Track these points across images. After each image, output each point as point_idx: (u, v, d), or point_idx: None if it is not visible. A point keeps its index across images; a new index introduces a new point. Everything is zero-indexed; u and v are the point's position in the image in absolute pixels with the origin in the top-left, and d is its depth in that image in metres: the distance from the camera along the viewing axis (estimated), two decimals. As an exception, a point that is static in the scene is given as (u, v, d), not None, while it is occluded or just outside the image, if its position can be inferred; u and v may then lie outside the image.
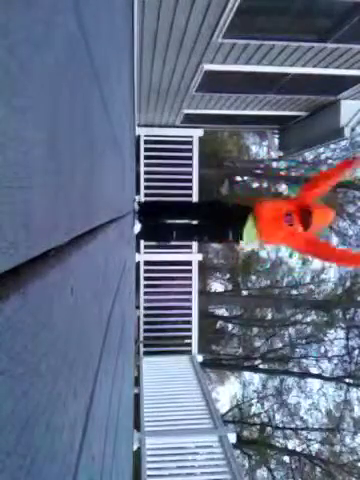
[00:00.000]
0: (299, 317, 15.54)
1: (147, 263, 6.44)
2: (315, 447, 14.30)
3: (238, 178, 16.09)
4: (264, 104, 5.70)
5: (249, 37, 3.84)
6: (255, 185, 16.25)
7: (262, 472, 14.56)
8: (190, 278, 6.51)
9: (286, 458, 14.40)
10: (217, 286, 17.36)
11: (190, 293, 6.51)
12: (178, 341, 6.43)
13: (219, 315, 17.08)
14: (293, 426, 14.73)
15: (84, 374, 0.69)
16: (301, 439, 14.47)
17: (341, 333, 14.90)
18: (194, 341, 6.45)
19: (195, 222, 3.89)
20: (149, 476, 3.70)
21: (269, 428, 15.03)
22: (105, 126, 1.15)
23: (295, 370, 15.42)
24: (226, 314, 17.22)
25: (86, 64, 0.75)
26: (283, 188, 15.47)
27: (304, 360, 15.33)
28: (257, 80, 4.87)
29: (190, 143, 6.47)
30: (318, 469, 13.98)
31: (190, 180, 6.44)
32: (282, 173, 16.01)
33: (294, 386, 15.28)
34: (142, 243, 6.35)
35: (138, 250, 6.27)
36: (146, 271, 6.45)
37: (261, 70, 4.47)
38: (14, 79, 0.34)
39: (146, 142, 6.35)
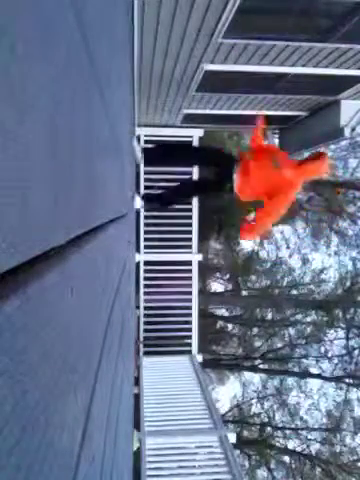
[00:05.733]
0: (299, 317, 15.54)
1: (147, 263, 6.44)
2: (315, 447, 14.32)
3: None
4: (264, 104, 5.70)
5: (249, 37, 3.84)
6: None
7: (262, 472, 14.56)
8: (190, 278, 6.51)
9: (286, 458, 14.41)
10: (217, 286, 17.37)
11: (190, 293, 6.51)
12: (178, 341, 6.42)
13: (219, 315, 17.08)
14: (293, 426, 14.73)
15: (84, 374, 0.69)
16: (301, 439, 14.47)
17: (341, 333, 14.91)
18: (194, 341, 6.44)
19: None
20: (149, 476, 3.69)
21: (269, 428, 15.03)
22: (105, 126, 1.15)
23: (295, 370, 15.42)
24: (226, 314, 17.22)
25: (86, 64, 0.75)
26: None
27: (304, 360, 15.33)
28: (257, 80, 4.87)
29: (190, 143, 6.47)
30: (318, 469, 13.98)
31: (190, 180, 6.43)
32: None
33: (294, 386, 15.29)
34: (142, 243, 6.35)
35: (138, 250, 6.27)
36: (146, 271, 6.44)
37: (261, 70, 4.47)
38: (14, 79, 0.34)
39: (146, 142, 6.35)
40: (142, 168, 6.20)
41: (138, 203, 4.13)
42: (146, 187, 6.17)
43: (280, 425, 14.93)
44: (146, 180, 6.30)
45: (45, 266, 0.46)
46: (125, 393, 2.10)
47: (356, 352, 14.42)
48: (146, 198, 4.39)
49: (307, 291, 15.76)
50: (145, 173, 6.32)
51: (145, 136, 6.33)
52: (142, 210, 6.10)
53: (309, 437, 14.43)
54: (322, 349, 15.15)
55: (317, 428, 14.54)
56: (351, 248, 15.03)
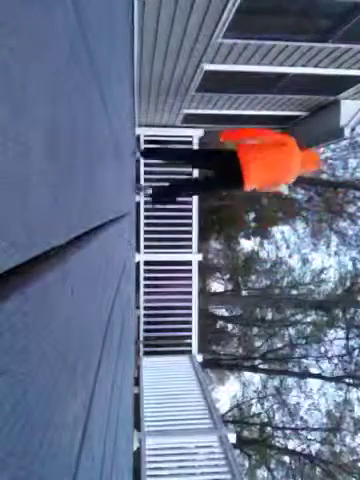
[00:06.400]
0: (299, 317, 15.54)
1: (147, 263, 6.44)
2: (315, 447, 14.32)
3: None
4: (264, 104, 5.70)
5: (249, 37, 3.84)
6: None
7: (262, 472, 14.56)
8: (190, 278, 6.51)
9: (286, 458, 14.41)
10: (217, 286, 17.37)
11: (190, 293, 6.51)
12: (178, 341, 6.42)
13: (219, 315, 17.08)
14: (293, 426, 14.73)
15: (84, 374, 0.69)
16: (301, 439, 14.47)
17: (341, 333, 14.91)
18: (194, 341, 6.44)
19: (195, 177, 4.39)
20: (149, 476, 3.69)
21: (269, 428, 15.03)
22: (105, 126, 1.15)
23: (295, 370, 15.42)
24: (226, 314, 17.22)
25: (86, 64, 0.75)
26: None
27: (304, 360, 15.33)
28: (257, 80, 4.87)
29: (190, 143, 6.47)
30: (318, 469, 13.98)
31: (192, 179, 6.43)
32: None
33: (294, 386, 15.29)
34: (142, 243, 6.35)
35: (138, 250, 6.27)
36: (146, 271, 6.44)
37: (261, 70, 4.47)
38: (14, 79, 0.34)
39: (146, 142, 6.35)
40: (142, 166, 6.21)
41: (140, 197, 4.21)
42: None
43: (280, 425, 14.93)
44: (146, 180, 6.30)
45: (45, 266, 0.46)
46: (125, 393, 2.10)
47: (356, 352, 14.43)
48: (153, 193, 4.40)
49: (307, 291, 15.76)
50: (145, 173, 6.32)
51: (145, 136, 6.33)
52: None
53: (309, 437, 14.43)
54: (322, 349, 15.16)
55: (317, 428, 14.55)
56: (351, 248, 15.04)
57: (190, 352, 6.35)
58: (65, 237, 0.57)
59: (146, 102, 5.56)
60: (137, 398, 4.70)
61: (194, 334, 6.47)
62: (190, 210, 6.46)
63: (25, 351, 0.36)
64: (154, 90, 5.12)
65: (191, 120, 6.35)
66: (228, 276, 17.10)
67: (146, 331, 6.42)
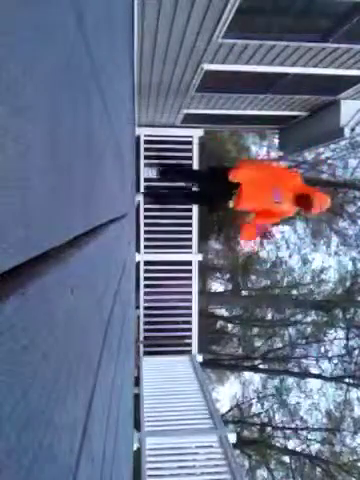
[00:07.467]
0: (299, 317, 15.54)
1: (147, 263, 6.44)
2: (315, 447, 14.32)
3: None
4: (264, 104, 5.70)
5: (249, 37, 3.84)
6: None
7: (262, 472, 14.56)
8: (190, 278, 6.50)
9: (286, 458, 14.41)
10: (217, 286, 17.37)
11: (190, 293, 6.50)
12: (178, 341, 6.42)
13: (219, 315, 17.08)
14: (293, 426, 14.72)
15: (84, 374, 0.69)
16: (301, 439, 14.47)
17: (341, 333, 14.90)
18: (194, 341, 6.44)
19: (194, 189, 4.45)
20: (149, 476, 3.69)
21: (269, 428, 15.03)
22: (105, 126, 1.15)
23: (295, 370, 15.42)
24: (226, 314, 17.22)
25: (86, 64, 0.75)
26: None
27: (304, 360, 15.33)
28: (257, 80, 4.87)
29: (190, 143, 6.47)
30: (318, 469, 13.98)
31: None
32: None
33: (294, 386, 15.29)
34: (142, 243, 6.35)
35: (138, 250, 6.27)
36: (146, 271, 6.44)
37: (261, 70, 4.47)
38: (14, 79, 0.34)
39: (146, 142, 6.35)
40: (142, 168, 6.22)
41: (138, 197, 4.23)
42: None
43: (280, 425, 14.93)
44: (146, 180, 6.29)
45: (45, 266, 0.46)
46: (125, 393, 2.10)
47: (356, 352, 14.43)
48: (146, 194, 4.46)
49: (307, 291, 15.76)
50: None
51: (145, 136, 6.33)
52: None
53: (309, 437, 14.43)
54: (322, 349, 15.16)
55: (317, 428, 14.55)
56: (351, 248, 15.04)
57: (190, 352, 6.35)
58: (65, 237, 0.57)
59: (146, 102, 5.56)
60: (137, 398, 4.70)
61: (194, 334, 6.47)
62: (190, 210, 6.46)
63: (25, 351, 0.36)
64: (154, 90, 5.12)
65: (191, 120, 6.35)
66: (228, 276, 17.10)
67: (146, 331, 6.42)
